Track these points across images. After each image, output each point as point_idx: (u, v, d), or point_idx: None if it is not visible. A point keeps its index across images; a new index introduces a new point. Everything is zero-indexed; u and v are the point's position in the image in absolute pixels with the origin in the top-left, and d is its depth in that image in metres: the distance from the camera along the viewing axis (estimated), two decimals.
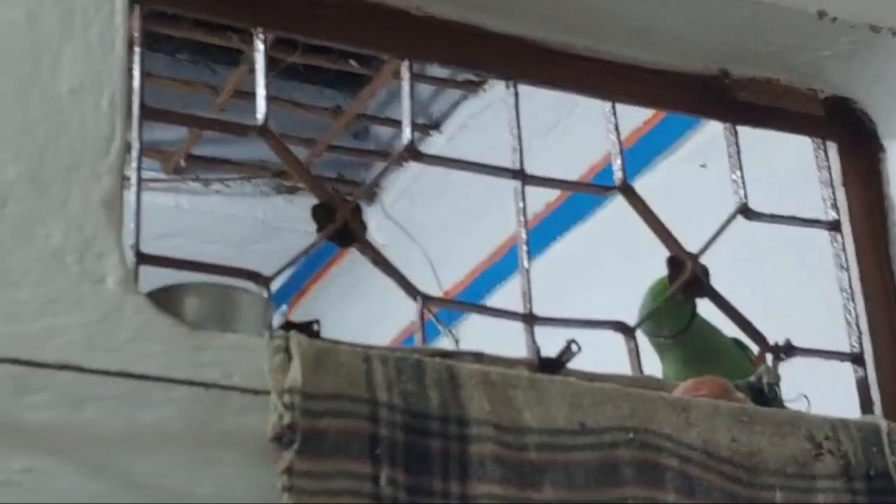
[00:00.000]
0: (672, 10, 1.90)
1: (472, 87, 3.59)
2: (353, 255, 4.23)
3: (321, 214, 1.73)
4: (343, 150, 3.97)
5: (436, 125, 3.78)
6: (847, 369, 1.97)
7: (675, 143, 3.00)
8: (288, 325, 1.51)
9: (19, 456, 1.28)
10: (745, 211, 1.96)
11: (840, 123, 2.04)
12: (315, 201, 4.26)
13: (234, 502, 1.34)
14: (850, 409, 1.91)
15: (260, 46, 1.74)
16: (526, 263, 1.81)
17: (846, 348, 1.95)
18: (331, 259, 4.20)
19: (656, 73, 1.95)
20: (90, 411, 1.32)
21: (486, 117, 3.61)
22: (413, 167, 3.93)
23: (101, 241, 1.39)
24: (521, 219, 1.82)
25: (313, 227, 4.32)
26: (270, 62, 3.56)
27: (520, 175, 1.85)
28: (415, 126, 3.81)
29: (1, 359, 1.29)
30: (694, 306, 1.90)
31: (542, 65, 1.90)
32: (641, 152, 3.00)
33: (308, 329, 1.50)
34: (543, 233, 3.56)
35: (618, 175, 1.91)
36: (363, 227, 1.74)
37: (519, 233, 1.83)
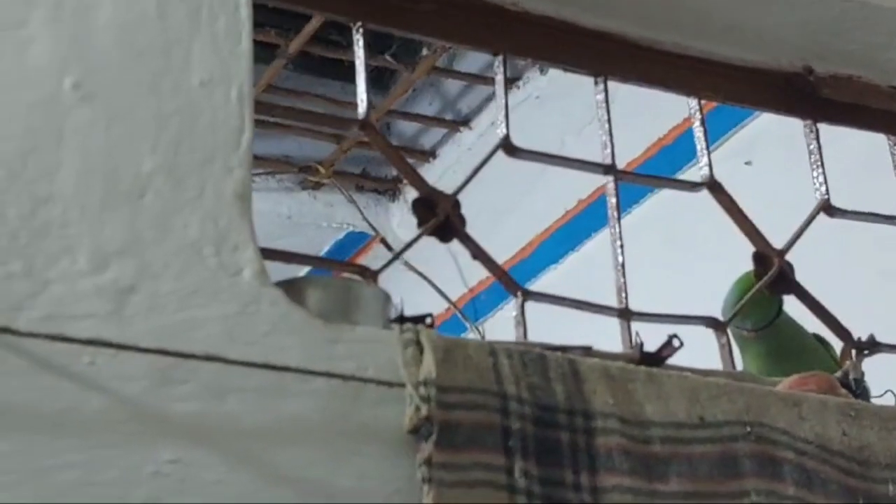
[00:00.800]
0: (760, 7, 1.91)
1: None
2: (375, 251, 4.25)
3: (421, 209, 1.73)
4: (368, 146, 3.97)
5: (465, 121, 3.79)
6: None
7: (719, 140, 3.02)
8: (402, 319, 1.52)
9: (167, 447, 1.28)
10: (828, 208, 1.98)
11: None
12: (336, 197, 4.26)
13: (375, 494, 1.35)
14: None
15: (360, 41, 1.75)
16: (620, 258, 1.82)
17: None
18: (354, 254, 4.21)
19: (742, 70, 1.96)
20: (233, 402, 1.32)
21: (519, 113, 3.62)
22: (437, 165, 3.95)
23: (235, 234, 1.39)
24: (615, 214, 1.83)
25: (338, 222, 4.34)
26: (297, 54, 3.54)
27: (612, 170, 1.86)
28: (443, 122, 3.85)
29: (147, 349, 1.29)
30: (781, 302, 1.92)
31: (630, 61, 1.91)
32: (684, 147, 3.02)
33: (422, 322, 1.50)
34: (577, 229, 3.58)
35: (704, 171, 1.93)
36: (462, 221, 1.75)
37: (612, 229, 1.83)
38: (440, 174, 3.74)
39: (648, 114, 3.09)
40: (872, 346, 1.92)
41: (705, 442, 1.51)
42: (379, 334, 1.44)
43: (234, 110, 1.44)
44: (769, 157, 2.90)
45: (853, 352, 1.91)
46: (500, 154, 1.82)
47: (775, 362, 1.91)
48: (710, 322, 1.86)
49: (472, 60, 3.57)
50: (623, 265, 1.81)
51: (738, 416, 1.54)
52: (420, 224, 1.73)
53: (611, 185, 1.85)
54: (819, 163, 1.99)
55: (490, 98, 3.65)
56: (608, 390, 1.49)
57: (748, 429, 1.54)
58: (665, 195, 2.99)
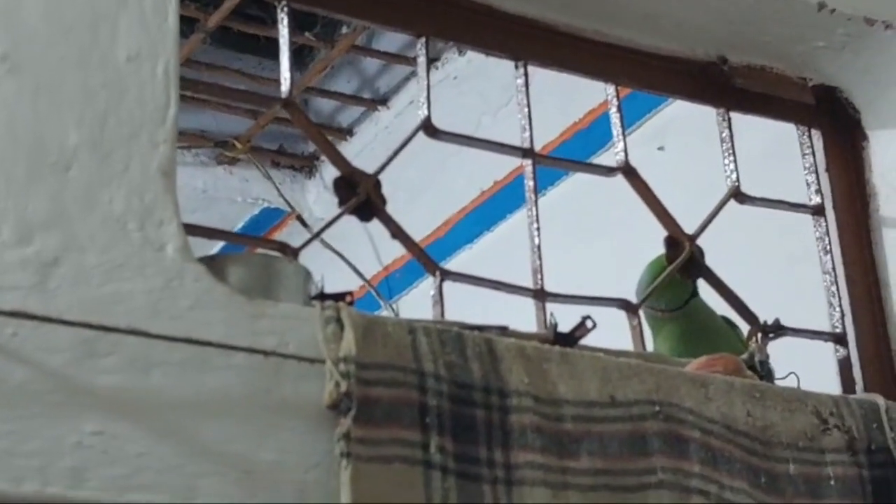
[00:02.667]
0: None
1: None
2: (291, 227, 4.26)
3: (343, 188, 1.75)
4: (285, 122, 3.98)
5: (383, 100, 3.81)
6: (825, 350, 2.06)
7: (634, 125, 3.07)
8: (322, 296, 1.54)
9: (91, 419, 1.30)
10: (738, 194, 2.03)
11: (826, 112, 2.12)
12: (252, 173, 4.24)
13: (295, 468, 1.37)
14: (830, 387, 1.99)
15: (284, 20, 1.76)
16: (536, 240, 1.85)
17: (829, 329, 2.04)
18: (269, 230, 4.21)
19: (659, 58, 2.01)
20: (156, 376, 1.34)
21: (437, 93, 3.65)
22: (355, 143, 3.96)
23: (160, 209, 1.41)
24: (532, 197, 1.87)
25: (253, 198, 4.32)
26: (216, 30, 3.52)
27: (531, 154, 1.90)
28: (361, 100, 3.86)
29: (71, 322, 1.31)
30: (694, 285, 1.97)
31: (550, 46, 1.95)
32: (599, 131, 3.07)
33: (342, 299, 1.53)
34: (492, 210, 3.62)
35: (620, 157, 1.97)
36: (383, 200, 1.78)
37: (530, 211, 1.87)
38: (357, 152, 3.75)
39: (564, 97, 3.13)
40: (777, 329, 1.97)
41: (616, 421, 1.56)
42: (300, 311, 1.46)
43: (160, 86, 1.45)
44: (682, 142, 2.96)
45: (759, 335, 1.97)
46: (419, 134, 1.85)
47: (685, 344, 1.96)
48: (622, 304, 1.90)
49: (391, 40, 3.58)
50: (539, 247, 1.85)
51: (648, 396, 1.59)
52: (341, 203, 1.75)
53: (529, 169, 1.89)
54: (730, 150, 2.04)
55: (409, 77, 3.68)
56: (523, 369, 1.53)
57: (657, 408, 1.58)
58: (580, 178, 3.03)
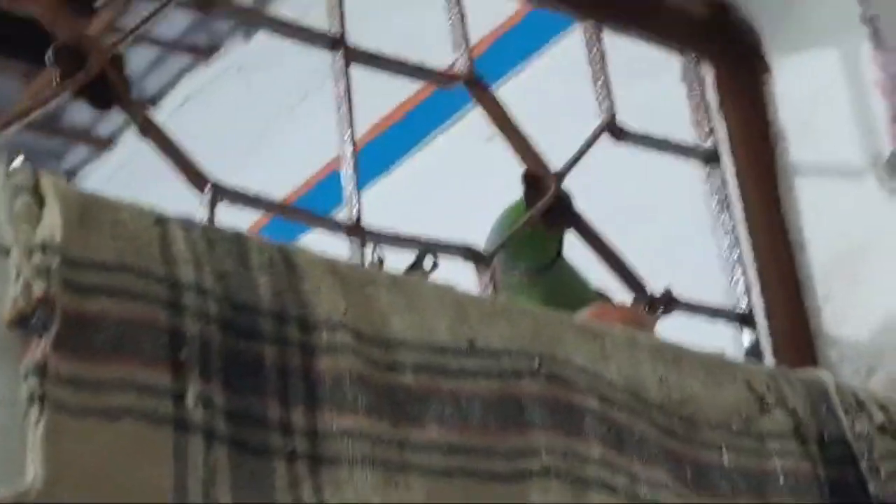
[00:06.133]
0: None
1: (201, 55, 3.06)
2: None
3: (64, 56, 1.19)
4: None
5: (153, 100, 3.22)
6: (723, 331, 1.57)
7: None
8: None
9: None
10: (612, 128, 1.54)
11: (718, 36, 1.65)
12: None
13: None
14: None
15: None
16: (350, 161, 1.32)
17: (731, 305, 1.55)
18: None
19: None
20: None
21: (216, 89, 3.07)
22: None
23: None
24: (347, 102, 1.34)
25: None
26: None
27: (340, 45, 1.37)
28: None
29: None
30: (561, 238, 1.46)
31: None
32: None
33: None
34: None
35: (463, 62, 1.45)
36: (126, 83, 1.23)
37: (342, 122, 1.34)
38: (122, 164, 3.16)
39: None
40: (668, 302, 1.48)
41: (477, 376, 1.02)
42: None
43: None
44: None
45: (644, 309, 1.46)
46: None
47: None
48: (469, 253, 1.37)
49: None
50: (356, 166, 1.32)
51: (523, 346, 1.06)
52: (64, 76, 1.19)
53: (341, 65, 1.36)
54: (602, 73, 1.55)
55: (181, 74, 3.10)
56: (338, 292, 0.99)
57: (537, 363, 1.05)
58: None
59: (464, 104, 2.61)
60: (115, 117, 3.04)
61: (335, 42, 1.36)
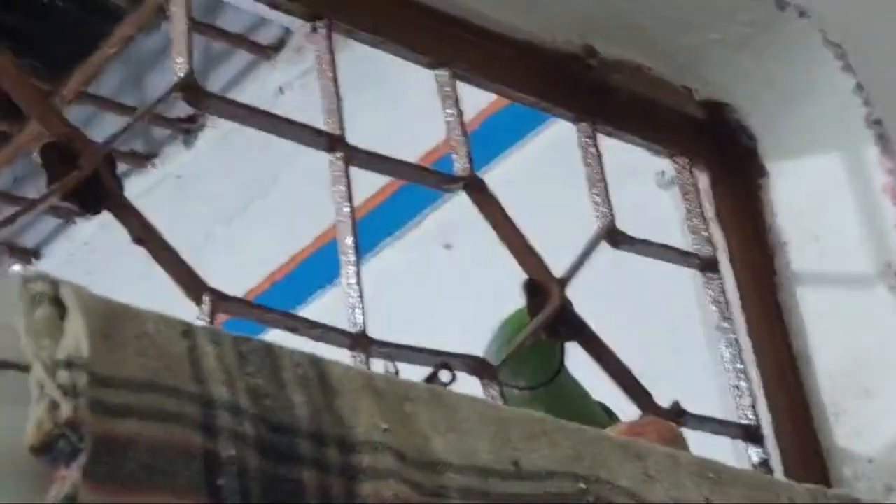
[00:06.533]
0: None
1: (139, 161, 2.95)
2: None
3: (52, 158, 1.11)
4: None
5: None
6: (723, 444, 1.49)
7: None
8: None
9: None
10: (612, 232, 1.47)
11: (713, 138, 1.60)
12: None
13: None
14: None
15: None
16: (352, 264, 1.24)
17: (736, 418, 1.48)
18: None
19: (507, 42, 1.45)
20: None
21: (153, 199, 2.96)
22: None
23: None
24: (349, 203, 1.26)
25: None
26: None
27: (340, 143, 1.29)
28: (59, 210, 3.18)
29: None
30: (562, 350, 1.38)
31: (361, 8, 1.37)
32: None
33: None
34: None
35: (462, 164, 1.38)
36: (120, 184, 1.14)
37: (340, 227, 1.26)
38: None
39: None
40: (678, 415, 1.40)
41: (525, 501, 0.94)
42: None
43: None
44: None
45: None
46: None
47: None
48: (475, 364, 1.29)
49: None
50: (359, 282, 1.24)
51: (567, 466, 0.97)
52: (52, 179, 1.10)
53: (340, 165, 1.28)
54: (599, 175, 1.48)
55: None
56: (377, 410, 0.90)
57: (582, 484, 0.97)
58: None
59: (418, 210, 2.55)
60: None
61: (333, 142, 1.28)
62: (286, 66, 2.77)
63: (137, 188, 3.04)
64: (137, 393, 0.79)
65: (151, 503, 0.76)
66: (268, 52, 2.79)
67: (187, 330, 0.85)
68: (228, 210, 2.84)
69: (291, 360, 0.88)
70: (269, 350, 0.88)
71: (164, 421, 0.79)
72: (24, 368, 0.77)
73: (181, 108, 2.89)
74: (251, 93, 2.66)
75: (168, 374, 0.81)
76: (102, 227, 3.06)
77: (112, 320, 0.81)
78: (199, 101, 1.23)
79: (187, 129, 2.89)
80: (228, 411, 0.82)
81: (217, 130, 2.85)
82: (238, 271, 2.69)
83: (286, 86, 2.71)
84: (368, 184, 2.48)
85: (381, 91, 2.39)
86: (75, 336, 0.78)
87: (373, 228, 2.46)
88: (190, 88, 1.20)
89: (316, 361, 0.90)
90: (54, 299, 0.80)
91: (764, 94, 1.57)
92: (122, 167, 3.03)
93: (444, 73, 1.40)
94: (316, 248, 2.70)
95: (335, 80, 1.30)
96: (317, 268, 2.67)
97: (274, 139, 2.75)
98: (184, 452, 0.78)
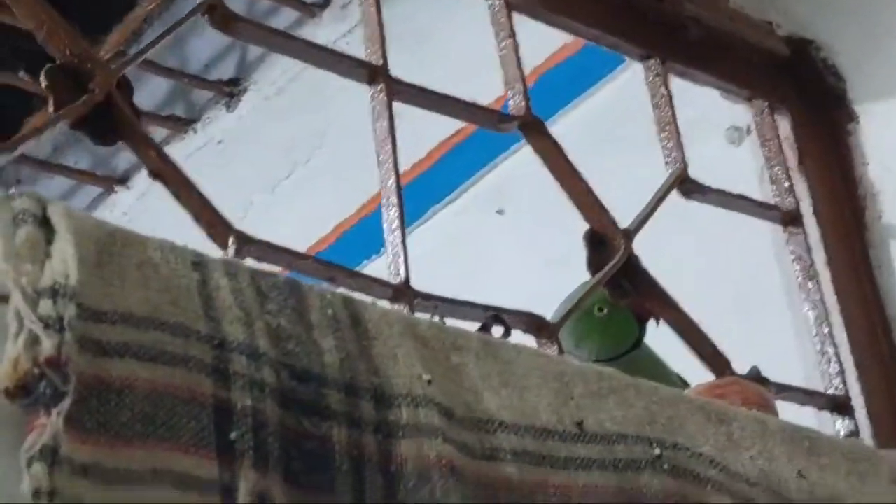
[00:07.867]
0: None
1: (179, 126, 2.82)
2: None
3: (60, 78, 0.98)
4: None
5: (122, 180, 2.98)
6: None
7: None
8: None
9: None
10: (685, 181, 1.34)
11: (794, 79, 1.46)
12: None
13: None
14: None
15: None
16: (396, 217, 1.11)
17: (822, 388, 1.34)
18: None
19: None
20: None
21: (193, 164, 2.83)
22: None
23: None
24: (391, 143, 1.13)
25: None
26: None
27: (380, 77, 1.16)
28: (98, 179, 3.06)
29: None
30: (644, 326, 1.23)
31: None
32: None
33: None
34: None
35: (517, 102, 1.25)
36: (136, 112, 1.02)
37: (381, 168, 1.13)
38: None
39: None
40: (758, 382, 1.27)
41: (590, 467, 0.81)
42: None
43: None
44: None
45: None
46: None
47: None
48: (529, 321, 1.15)
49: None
50: (403, 224, 1.11)
51: (638, 429, 0.85)
52: (59, 103, 0.98)
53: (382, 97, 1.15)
54: (671, 119, 1.35)
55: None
56: (418, 359, 0.77)
57: (657, 450, 0.84)
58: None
59: (469, 175, 2.41)
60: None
61: (374, 73, 1.15)
62: (331, 23, 2.64)
63: (178, 155, 2.92)
64: (136, 330, 0.67)
65: (150, 459, 0.64)
66: (313, 9, 2.67)
67: (198, 260, 0.72)
68: (271, 177, 2.72)
69: (320, 300, 0.76)
70: (295, 287, 0.76)
71: (168, 363, 0.67)
72: (3, 298, 0.65)
73: (223, 71, 2.76)
74: None
75: (174, 310, 0.69)
76: (141, 198, 2.95)
77: (109, 246, 0.69)
78: (227, 24, 1.11)
79: (230, 91, 2.76)
80: (245, 355, 0.70)
81: (260, 93, 2.72)
82: (281, 240, 2.58)
83: (331, 43, 2.59)
84: (416, 148, 2.37)
85: (427, 50, 2.26)
86: (63, 261, 0.66)
87: (422, 194, 2.33)
88: (217, 10, 1.08)
89: (349, 302, 0.77)
90: (41, 220, 0.68)
91: (853, 29, 1.43)
92: (161, 133, 2.95)
93: (497, 1, 1.28)
94: (360, 218, 2.57)
95: (378, 6, 1.17)
96: (361, 238, 2.55)
97: (318, 102, 2.62)
98: (190, 401, 0.66)
